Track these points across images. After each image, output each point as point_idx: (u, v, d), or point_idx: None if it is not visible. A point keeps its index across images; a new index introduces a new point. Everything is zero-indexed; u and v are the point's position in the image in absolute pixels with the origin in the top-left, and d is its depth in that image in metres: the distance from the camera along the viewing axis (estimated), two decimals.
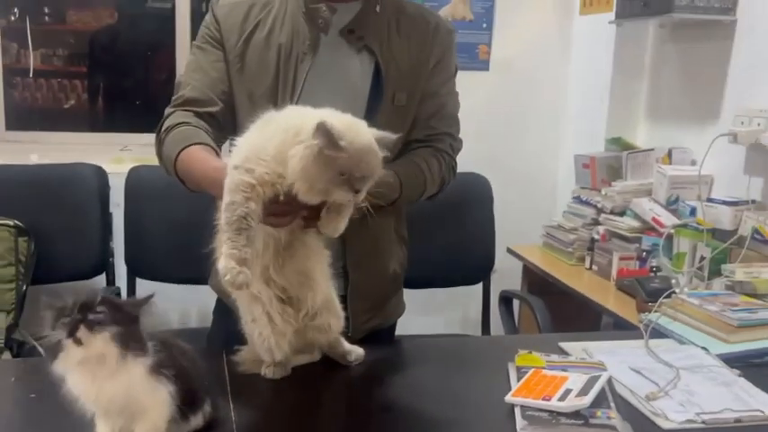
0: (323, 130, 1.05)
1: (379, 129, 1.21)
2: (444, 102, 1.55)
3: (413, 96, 1.50)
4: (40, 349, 2.22)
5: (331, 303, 1.30)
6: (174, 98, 1.49)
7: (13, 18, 2.94)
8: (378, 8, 1.48)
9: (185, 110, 1.46)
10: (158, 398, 0.96)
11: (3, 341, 2.22)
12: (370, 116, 1.40)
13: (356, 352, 1.35)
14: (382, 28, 1.48)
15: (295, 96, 1.43)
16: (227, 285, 1.10)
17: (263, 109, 1.38)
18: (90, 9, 3.32)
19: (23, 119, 2.98)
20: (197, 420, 1.03)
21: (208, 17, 1.53)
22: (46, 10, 3.20)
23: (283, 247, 1.23)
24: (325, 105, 1.21)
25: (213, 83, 1.48)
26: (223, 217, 1.11)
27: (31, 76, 3.08)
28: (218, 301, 1.69)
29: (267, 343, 1.25)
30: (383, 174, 1.25)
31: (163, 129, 1.43)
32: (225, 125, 1.47)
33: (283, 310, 1.25)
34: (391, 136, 1.17)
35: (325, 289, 1.28)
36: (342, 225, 1.19)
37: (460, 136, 1.60)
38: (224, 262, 1.09)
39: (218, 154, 1.35)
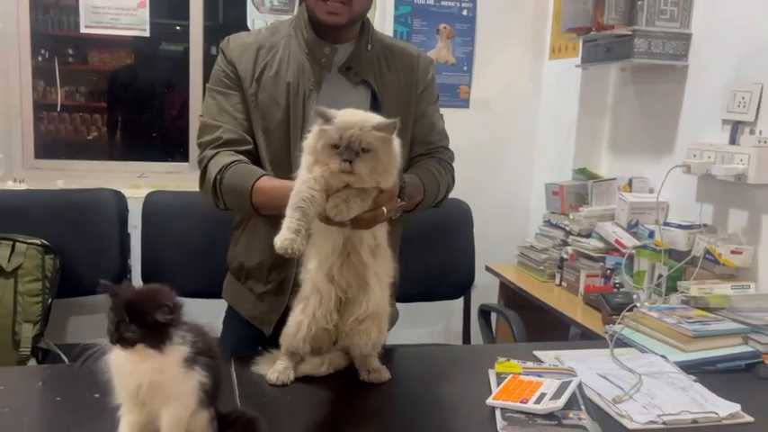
0: (318, 111, 1.19)
1: None
2: (434, 121, 1.61)
3: (407, 119, 1.54)
4: (63, 357, 2.22)
5: (379, 316, 1.29)
6: (207, 140, 1.49)
7: (41, 59, 2.94)
8: (368, 47, 1.53)
9: (228, 150, 1.47)
10: (186, 387, 0.93)
11: (29, 349, 2.19)
12: None
13: (382, 374, 1.32)
14: (374, 63, 1.53)
15: (306, 129, 1.44)
16: (277, 250, 1.14)
17: (277, 141, 1.40)
18: (110, 51, 3.32)
19: (51, 149, 2.97)
20: (202, 419, 0.98)
21: (221, 60, 1.54)
22: (70, 51, 3.21)
23: (341, 251, 1.25)
24: None
25: (241, 124, 1.50)
26: (289, 202, 1.18)
27: (57, 110, 3.08)
28: (228, 310, 1.69)
29: (299, 333, 1.26)
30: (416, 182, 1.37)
31: (216, 169, 1.43)
32: (257, 160, 1.49)
33: (334, 311, 1.26)
34: (390, 121, 1.19)
35: (378, 298, 1.28)
36: (346, 209, 1.18)
37: None
38: (281, 232, 1.15)
39: None
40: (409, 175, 1.43)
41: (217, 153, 1.47)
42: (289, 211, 1.17)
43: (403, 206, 1.35)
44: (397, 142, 1.22)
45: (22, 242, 2.26)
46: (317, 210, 1.18)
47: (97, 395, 0.94)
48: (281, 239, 1.14)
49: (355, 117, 1.19)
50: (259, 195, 1.39)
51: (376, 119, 1.19)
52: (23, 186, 2.74)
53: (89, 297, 2.43)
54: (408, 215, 1.49)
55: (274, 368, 1.29)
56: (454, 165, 1.67)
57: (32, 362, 2.18)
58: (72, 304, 2.49)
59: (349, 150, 1.15)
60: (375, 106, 1.49)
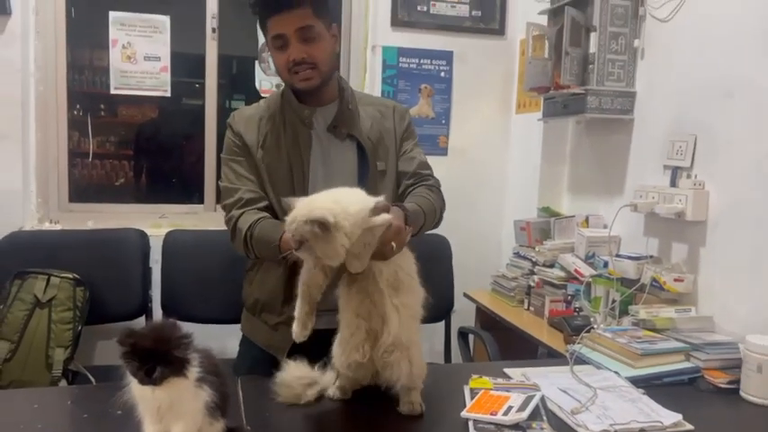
0: (284, 202, 1.17)
1: (369, 188, 1.28)
2: (415, 155, 1.64)
3: (389, 161, 1.59)
4: (91, 378, 2.19)
5: (404, 347, 1.21)
6: (231, 202, 1.52)
7: (75, 113, 2.97)
8: (350, 106, 1.57)
9: (251, 209, 1.50)
10: (197, 404, 0.93)
11: (61, 371, 2.17)
12: (363, 182, 1.51)
13: (414, 408, 1.24)
14: (356, 118, 1.57)
15: (306, 180, 1.50)
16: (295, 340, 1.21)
17: (285, 194, 1.43)
18: (137, 106, 3.36)
19: (83, 193, 2.97)
20: (217, 428, 0.98)
21: (230, 133, 1.59)
22: (102, 107, 3.24)
23: (359, 286, 1.21)
24: (328, 183, 1.31)
25: (255, 185, 1.53)
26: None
27: (89, 158, 3.09)
28: (244, 337, 1.69)
29: (337, 363, 1.25)
30: (415, 209, 1.37)
31: (246, 226, 1.45)
32: (274, 213, 1.52)
33: (364, 343, 1.20)
34: (323, 217, 1.10)
35: (397, 329, 1.19)
36: (357, 263, 1.15)
37: None
38: (294, 325, 1.21)
39: None
40: (410, 203, 1.43)
41: (243, 213, 1.49)
42: (298, 301, 1.20)
43: (410, 232, 1.30)
44: (341, 234, 1.10)
45: (56, 276, 2.26)
46: (321, 285, 1.19)
47: (120, 412, 0.94)
48: (295, 334, 1.20)
49: (302, 210, 1.11)
50: (285, 245, 1.37)
51: (317, 212, 1.09)
52: (58, 227, 2.74)
53: (115, 324, 2.42)
54: (413, 238, 1.48)
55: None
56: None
57: (63, 383, 2.17)
58: (99, 330, 2.47)
59: (295, 240, 1.13)
60: (362, 155, 1.53)
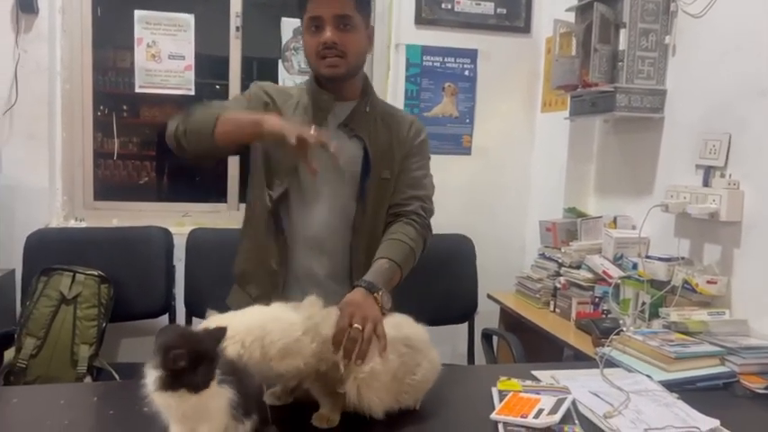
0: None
1: (369, 194, 1.33)
2: (416, 175, 1.57)
3: (395, 171, 1.55)
4: (115, 374, 2.21)
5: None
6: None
7: (100, 114, 3.00)
8: (367, 108, 1.54)
9: None
10: (221, 404, 0.92)
11: (86, 368, 2.18)
12: (363, 186, 1.49)
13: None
14: (370, 122, 1.54)
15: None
16: None
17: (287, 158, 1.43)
18: (159, 106, 3.38)
19: (107, 191, 3.00)
20: (246, 428, 0.96)
21: (253, 87, 1.58)
22: (125, 107, 3.27)
23: None
24: (332, 176, 1.38)
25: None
26: None
27: (113, 158, 3.13)
28: None
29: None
30: (378, 268, 1.34)
31: (180, 118, 1.47)
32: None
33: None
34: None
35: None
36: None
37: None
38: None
39: None
40: (379, 265, 1.38)
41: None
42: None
43: (386, 304, 1.28)
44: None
45: (81, 273, 2.28)
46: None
47: (146, 409, 0.93)
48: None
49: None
50: (221, 136, 1.38)
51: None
52: (83, 224, 2.78)
53: (139, 321, 2.43)
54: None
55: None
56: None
57: (88, 379, 2.18)
58: (124, 327, 2.49)
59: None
60: (365, 158, 1.51)
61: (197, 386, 0.88)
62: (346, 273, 1.52)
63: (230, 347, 1.00)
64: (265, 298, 1.50)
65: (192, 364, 0.87)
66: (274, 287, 1.52)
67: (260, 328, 1.03)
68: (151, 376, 0.89)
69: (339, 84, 1.51)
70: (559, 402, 1.21)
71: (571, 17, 2.52)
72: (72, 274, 2.27)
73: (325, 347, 1.10)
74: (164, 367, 0.88)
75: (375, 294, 1.27)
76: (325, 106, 1.51)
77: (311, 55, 1.49)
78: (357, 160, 1.51)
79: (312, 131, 1.26)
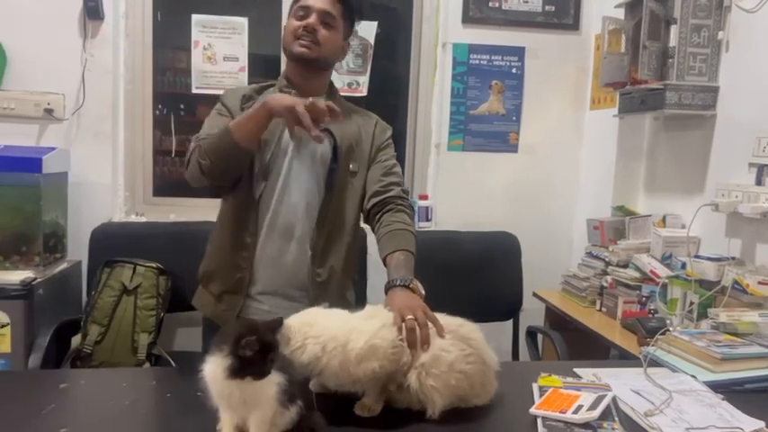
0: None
1: (336, 186, 1.46)
2: (389, 164, 1.66)
3: (363, 165, 1.63)
4: (171, 361, 2.29)
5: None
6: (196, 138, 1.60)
7: (158, 113, 3.09)
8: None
9: None
10: (269, 392, 0.95)
11: (145, 355, 2.29)
12: (332, 176, 1.59)
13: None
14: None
15: (275, 157, 1.57)
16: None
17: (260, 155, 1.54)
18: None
19: (165, 188, 3.10)
20: (292, 413, 0.98)
21: (218, 105, 1.66)
22: (182, 106, 3.35)
23: None
24: (304, 167, 1.52)
25: None
26: None
27: (171, 155, 3.22)
28: (204, 320, 1.73)
29: None
30: (399, 262, 1.41)
31: (196, 143, 1.55)
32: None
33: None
34: None
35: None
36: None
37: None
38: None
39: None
40: (398, 258, 1.44)
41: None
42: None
43: (422, 291, 1.36)
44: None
45: (141, 265, 2.39)
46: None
47: (200, 393, 0.99)
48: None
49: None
50: (236, 126, 1.46)
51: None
52: (143, 219, 2.90)
53: (194, 312, 2.51)
54: None
55: None
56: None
57: (147, 365, 2.28)
58: (180, 317, 2.59)
59: None
60: (334, 150, 1.59)
61: (262, 373, 0.93)
62: (307, 257, 1.59)
63: (310, 347, 1.08)
64: (228, 294, 1.60)
65: (260, 352, 0.92)
66: (238, 283, 1.58)
67: (344, 336, 1.11)
68: (213, 364, 0.94)
69: (307, 75, 1.60)
70: (599, 399, 1.21)
71: (620, 14, 2.48)
72: (133, 266, 2.38)
73: (396, 349, 1.15)
74: (234, 354, 0.92)
75: (411, 286, 1.34)
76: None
77: (289, 35, 1.58)
78: (327, 151, 1.59)
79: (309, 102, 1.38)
